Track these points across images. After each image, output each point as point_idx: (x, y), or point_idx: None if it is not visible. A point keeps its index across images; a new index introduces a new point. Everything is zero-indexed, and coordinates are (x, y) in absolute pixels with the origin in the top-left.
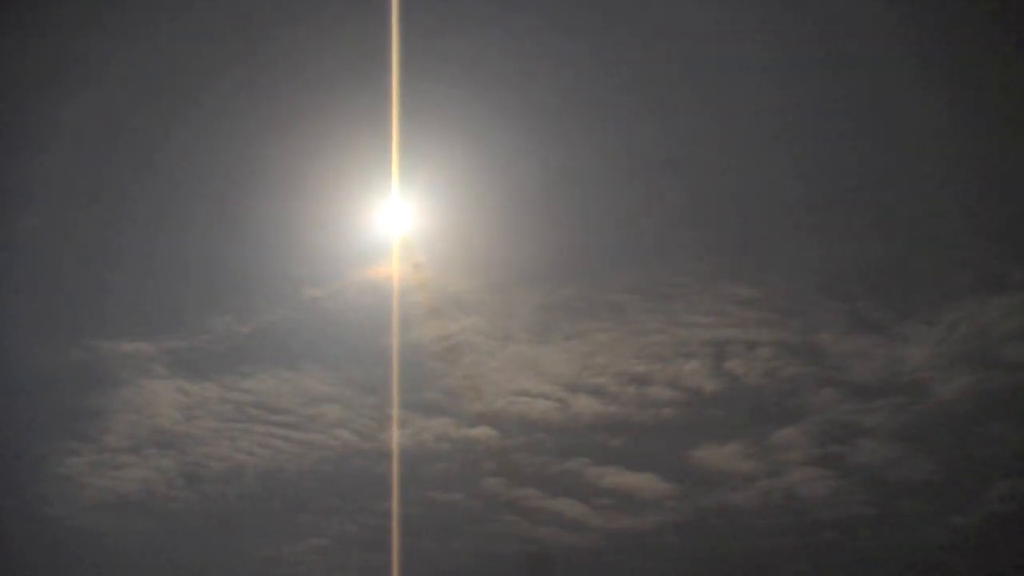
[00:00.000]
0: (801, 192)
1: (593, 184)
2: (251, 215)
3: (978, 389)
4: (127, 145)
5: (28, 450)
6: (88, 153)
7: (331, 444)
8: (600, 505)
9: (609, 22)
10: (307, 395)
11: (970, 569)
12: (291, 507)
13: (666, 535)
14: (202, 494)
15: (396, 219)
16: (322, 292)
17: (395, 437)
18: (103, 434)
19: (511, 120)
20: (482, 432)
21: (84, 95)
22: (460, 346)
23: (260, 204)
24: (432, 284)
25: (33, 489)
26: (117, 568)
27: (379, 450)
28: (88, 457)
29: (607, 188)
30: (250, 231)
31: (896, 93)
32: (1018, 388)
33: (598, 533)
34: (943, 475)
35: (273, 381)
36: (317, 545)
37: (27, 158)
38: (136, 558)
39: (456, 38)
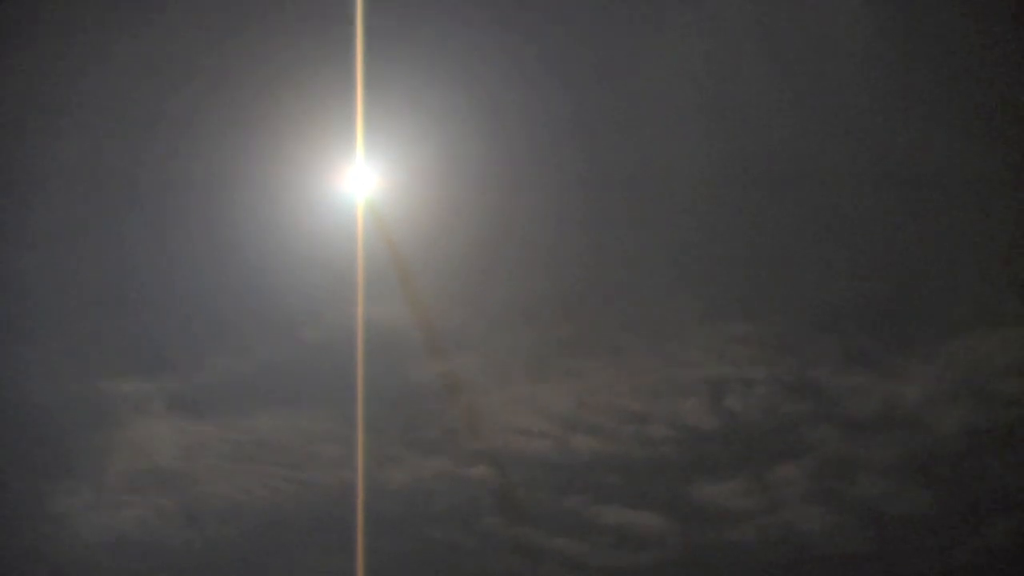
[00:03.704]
0: (796, 228)
1: (586, 222)
2: (250, 257)
3: (976, 424)
4: (120, 183)
5: (27, 488)
6: (85, 193)
7: (331, 483)
8: (599, 543)
9: (604, 16)
10: (306, 434)
11: None
12: (291, 546)
13: (666, 572)
14: (202, 534)
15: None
16: (319, 332)
17: (360, 478)
18: (102, 473)
19: (503, 158)
20: (480, 470)
21: (76, 134)
22: (458, 384)
23: (259, 247)
24: (429, 323)
25: (32, 528)
26: None
27: (380, 489)
28: (87, 496)
29: (600, 226)
30: (249, 272)
31: (890, 127)
32: (1016, 423)
33: (597, 571)
34: (942, 510)
35: (272, 420)
36: None
37: (24, 198)
38: None
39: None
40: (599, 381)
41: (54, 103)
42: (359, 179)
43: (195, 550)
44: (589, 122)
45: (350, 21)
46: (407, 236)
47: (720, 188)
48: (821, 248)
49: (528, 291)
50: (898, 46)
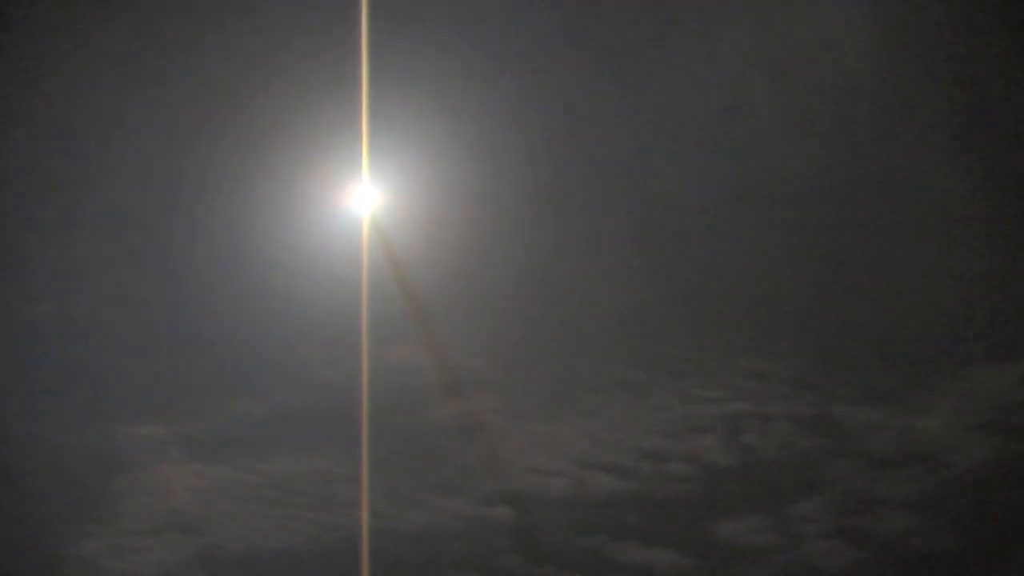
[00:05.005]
0: (811, 263)
1: (600, 263)
2: (261, 297)
3: (996, 457)
4: (136, 228)
5: (45, 533)
6: (100, 238)
7: (348, 525)
8: None
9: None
10: (322, 476)
11: None
12: None
13: None
14: None
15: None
16: (335, 374)
17: (364, 519)
18: (119, 517)
19: (517, 181)
20: (498, 511)
21: (85, 182)
22: (474, 425)
23: (269, 285)
24: (443, 361)
25: (52, 572)
26: None
27: (397, 530)
28: (105, 540)
29: (613, 264)
30: (264, 314)
31: (906, 164)
32: None
33: None
34: (963, 544)
35: (288, 463)
36: None
37: (38, 246)
38: None
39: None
40: (616, 419)
41: (48, 142)
42: (364, 201)
43: None
44: (605, 147)
45: (355, 37)
46: (415, 265)
47: (736, 224)
48: (837, 283)
49: (542, 330)
50: (921, 78)
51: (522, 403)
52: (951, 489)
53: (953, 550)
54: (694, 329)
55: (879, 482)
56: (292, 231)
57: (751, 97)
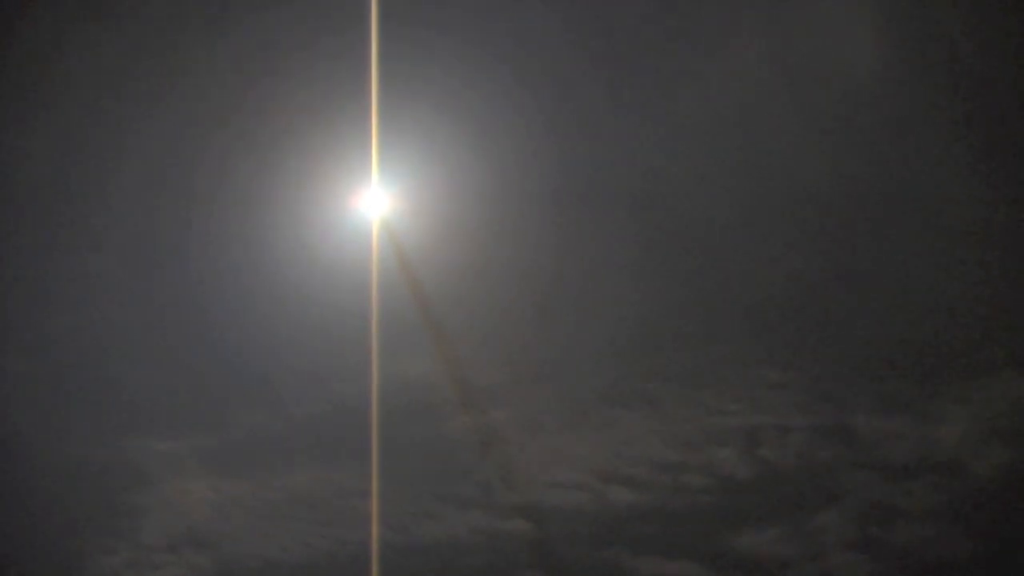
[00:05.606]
0: (827, 273)
1: (616, 274)
2: (277, 309)
3: (1014, 465)
4: (151, 238)
5: (64, 549)
6: (114, 249)
7: (364, 539)
8: None
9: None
10: (339, 489)
11: None
12: None
13: None
14: None
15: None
16: (349, 386)
17: (374, 531)
18: (138, 532)
19: (532, 188)
20: (517, 524)
21: (99, 194)
22: (491, 438)
23: (287, 298)
24: (459, 374)
25: None
26: None
27: (415, 544)
28: (124, 555)
29: (631, 276)
30: (276, 325)
31: (921, 173)
32: None
33: None
34: (983, 553)
35: (305, 476)
36: None
37: (54, 258)
38: None
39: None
40: (634, 431)
41: (62, 153)
42: (374, 205)
43: None
44: (618, 154)
45: (365, 42)
46: (426, 268)
47: (752, 235)
48: (854, 293)
49: (557, 344)
50: (937, 88)
51: (538, 415)
52: (970, 497)
53: (973, 559)
54: (711, 341)
55: (898, 492)
56: (303, 236)
57: (764, 106)
